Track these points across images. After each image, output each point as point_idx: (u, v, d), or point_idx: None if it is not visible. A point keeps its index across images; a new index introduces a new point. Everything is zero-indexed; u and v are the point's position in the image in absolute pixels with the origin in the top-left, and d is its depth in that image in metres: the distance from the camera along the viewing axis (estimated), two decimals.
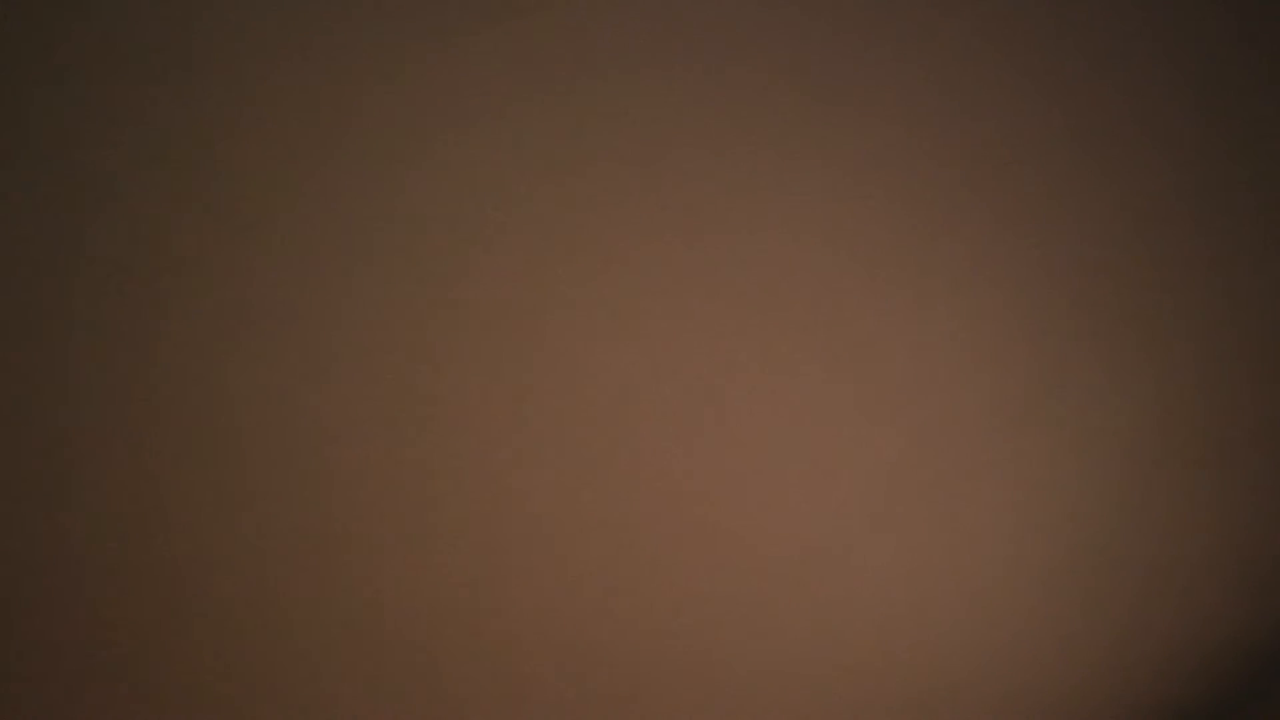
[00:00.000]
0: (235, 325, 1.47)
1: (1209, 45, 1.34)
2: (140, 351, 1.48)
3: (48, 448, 1.57)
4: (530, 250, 1.44)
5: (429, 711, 2.06)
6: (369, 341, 1.51)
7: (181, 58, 1.23)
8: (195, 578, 1.77)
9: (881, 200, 1.44)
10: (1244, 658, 2.18)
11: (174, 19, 1.20)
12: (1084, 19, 1.30)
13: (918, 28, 1.29)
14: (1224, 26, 1.33)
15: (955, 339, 1.59)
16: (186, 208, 1.36)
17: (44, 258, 1.38)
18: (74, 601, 1.78)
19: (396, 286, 1.46)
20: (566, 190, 1.39)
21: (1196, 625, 2.10)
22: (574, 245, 1.44)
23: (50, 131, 1.27)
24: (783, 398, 1.63)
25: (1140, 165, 1.44)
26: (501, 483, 1.69)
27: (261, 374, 1.53)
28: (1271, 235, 1.53)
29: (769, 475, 1.73)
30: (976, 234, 1.49)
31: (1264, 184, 1.48)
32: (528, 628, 1.92)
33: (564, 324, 1.52)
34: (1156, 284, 1.57)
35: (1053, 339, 1.61)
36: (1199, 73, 1.36)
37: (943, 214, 1.46)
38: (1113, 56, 1.34)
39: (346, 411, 1.58)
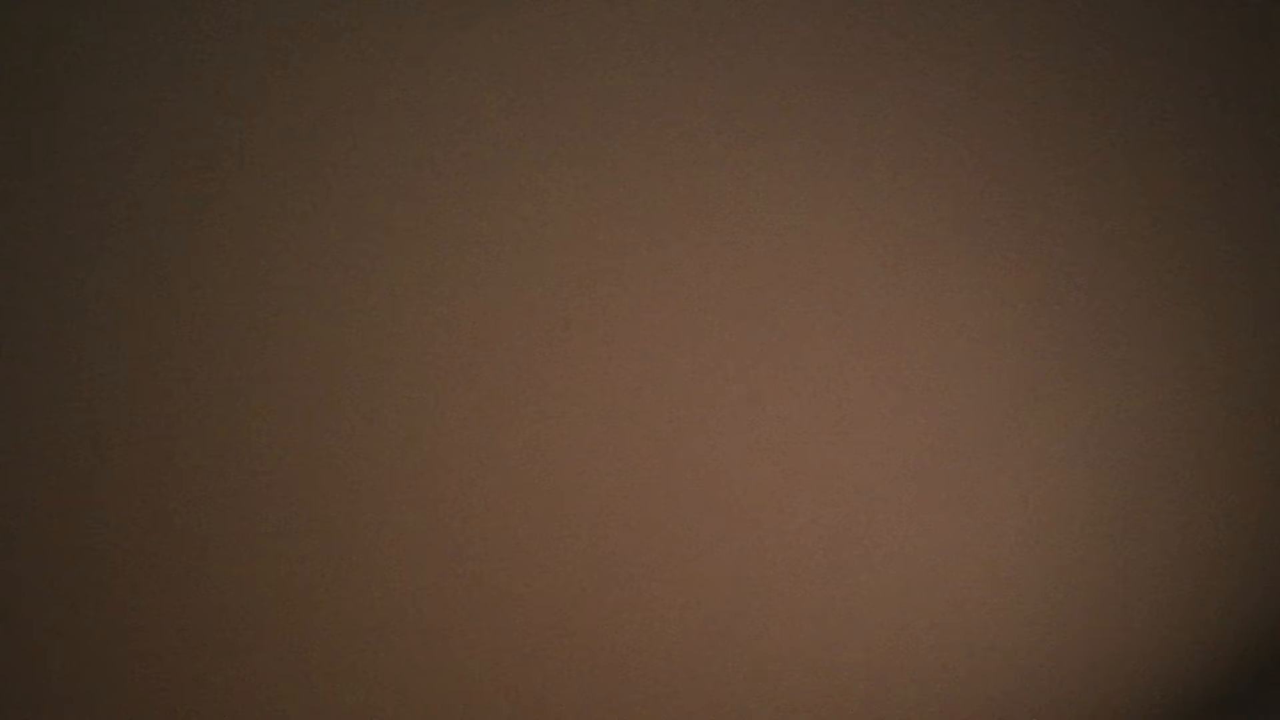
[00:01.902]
0: (248, 326, 1.47)
1: (1218, 48, 1.34)
2: (158, 350, 1.48)
3: (63, 450, 1.57)
4: (552, 248, 1.44)
5: (448, 706, 2.07)
6: (387, 339, 1.51)
7: (197, 63, 1.23)
8: (209, 579, 1.77)
9: (904, 193, 1.44)
10: (1259, 647, 2.18)
11: (188, 25, 1.20)
12: (1105, 18, 1.30)
13: (938, 24, 1.29)
14: (1229, 33, 1.33)
15: (975, 328, 1.60)
16: (203, 210, 1.35)
17: (64, 264, 1.38)
18: (86, 602, 1.78)
19: (419, 285, 1.45)
20: (588, 185, 1.38)
21: (1214, 611, 2.11)
22: (598, 241, 1.44)
23: (70, 138, 1.27)
24: (805, 385, 1.63)
25: (1159, 159, 1.44)
26: (524, 471, 1.69)
27: (276, 375, 1.52)
28: (1274, 226, 1.54)
29: (791, 461, 1.73)
30: (997, 224, 1.49)
31: (1268, 179, 1.48)
32: (552, 613, 1.92)
33: (587, 317, 1.51)
34: (1175, 275, 1.57)
35: (1072, 329, 1.61)
36: (1209, 69, 1.36)
37: (963, 206, 1.46)
38: (1129, 55, 1.34)
39: (370, 408, 1.58)
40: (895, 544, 1.89)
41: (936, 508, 1.84)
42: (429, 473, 1.67)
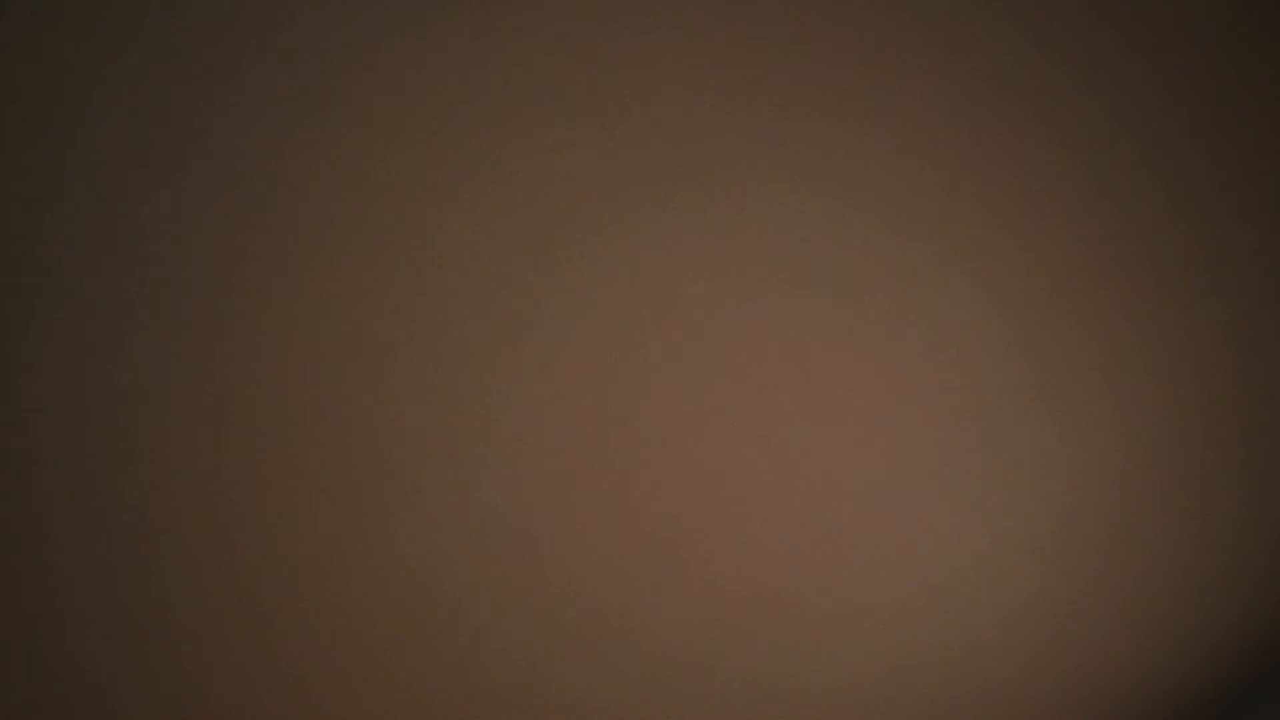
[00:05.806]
0: (239, 321, 1.47)
1: (1203, 47, 1.34)
2: (158, 344, 1.48)
3: (64, 448, 1.57)
4: (553, 247, 1.44)
5: (432, 704, 2.07)
6: (385, 337, 1.51)
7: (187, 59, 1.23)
8: (213, 578, 1.78)
9: (906, 192, 1.44)
10: (1261, 647, 2.18)
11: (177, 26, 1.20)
12: (1118, 7, 1.30)
13: (946, 16, 1.29)
14: (1214, 32, 1.33)
15: (973, 324, 1.59)
16: (206, 205, 1.35)
17: (64, 253, 1.38)
18: (90, 603, 1.79)
19: (419, 283, 1.45)
20: (588, 182, 1.38)
21: (1216, 611, 2.10)
22: (593, 229, 1.44)
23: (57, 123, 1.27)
24: (799, 379, 1.63)
25: (1164, 161, 1.44)
26: (523, 470, 1.69)
27: (264, 370, 1.52)
28: (1269, 230, 1.53)
29: (783, 457, 1.73)
30: (998, 221, 1.49)
31: (1262, 182, 1.48)
32: (548, 608, 1.92)
33: (587, 317, 1.51)
34: (1176, 276, 1.57)
35: (1074, 328, 1.61)
36: (1222, 58, 1.36)
37: (965, 205, 1.46)
38: (1141, 45, 1.34)
39: (369, 404, 1.58)
40: (891, 541, 1.88)
41: (937, 508, 1.83)
42: (433, 474, 1.67)
